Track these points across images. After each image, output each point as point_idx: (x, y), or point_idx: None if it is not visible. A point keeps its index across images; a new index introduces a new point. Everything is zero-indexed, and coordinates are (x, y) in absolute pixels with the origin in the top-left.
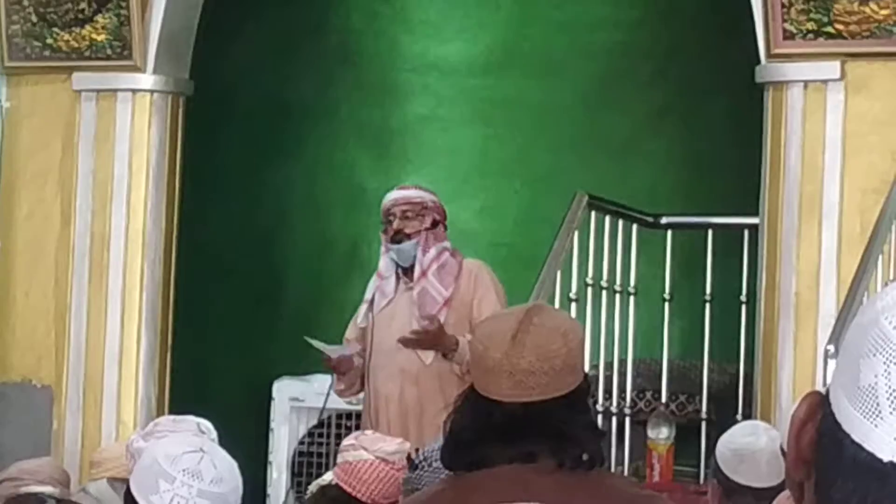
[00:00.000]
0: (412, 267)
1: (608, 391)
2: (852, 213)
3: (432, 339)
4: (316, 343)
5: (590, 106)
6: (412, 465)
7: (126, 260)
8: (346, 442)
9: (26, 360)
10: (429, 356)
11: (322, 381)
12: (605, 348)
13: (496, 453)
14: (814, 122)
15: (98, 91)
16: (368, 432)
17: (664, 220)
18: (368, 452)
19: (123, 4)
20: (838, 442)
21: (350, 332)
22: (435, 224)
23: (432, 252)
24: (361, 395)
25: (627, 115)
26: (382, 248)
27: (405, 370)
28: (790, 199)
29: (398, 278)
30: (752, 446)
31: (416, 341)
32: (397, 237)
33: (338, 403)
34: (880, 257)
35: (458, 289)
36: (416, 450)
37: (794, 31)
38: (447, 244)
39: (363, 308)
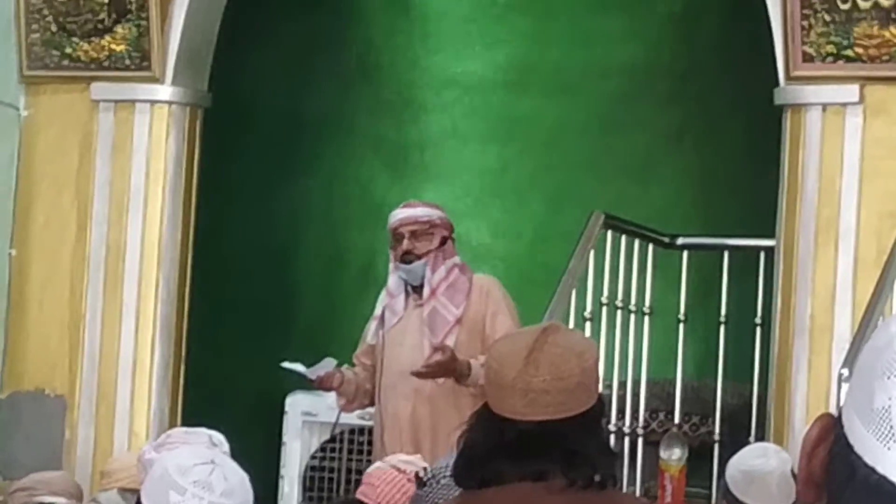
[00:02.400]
0: (422, 284)
1: (621, 411)
2: (868, 236)
3: (444, 368)
4: (292, 366)
5: (607, 125)
6: (420, 482)
7: (141, 271)
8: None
9: (40, 369)
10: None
11: (335, 397)
12: (619, 368)
13: (507, 471)
14: (832, 146)
15: (116, 101)
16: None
17: (680, 241)
18: (385, 463)
19: (143, 15)
20: (850, 464)
21: (360, 350)
22: (444, 241)
23: (441, 271)
24: (372, 409)
25: (645, 135)
26: (391, 266)
27: (418, 389)
28: (807, 222)
29: (407, 295)
30: (763, 468)
31: (429, 373)
32: (407, 258)
33: (350, 419)
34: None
35: (469, 306)
36: (425, 468)
37: (814, 53)
38: (456, 259)
39: (373, 325)
